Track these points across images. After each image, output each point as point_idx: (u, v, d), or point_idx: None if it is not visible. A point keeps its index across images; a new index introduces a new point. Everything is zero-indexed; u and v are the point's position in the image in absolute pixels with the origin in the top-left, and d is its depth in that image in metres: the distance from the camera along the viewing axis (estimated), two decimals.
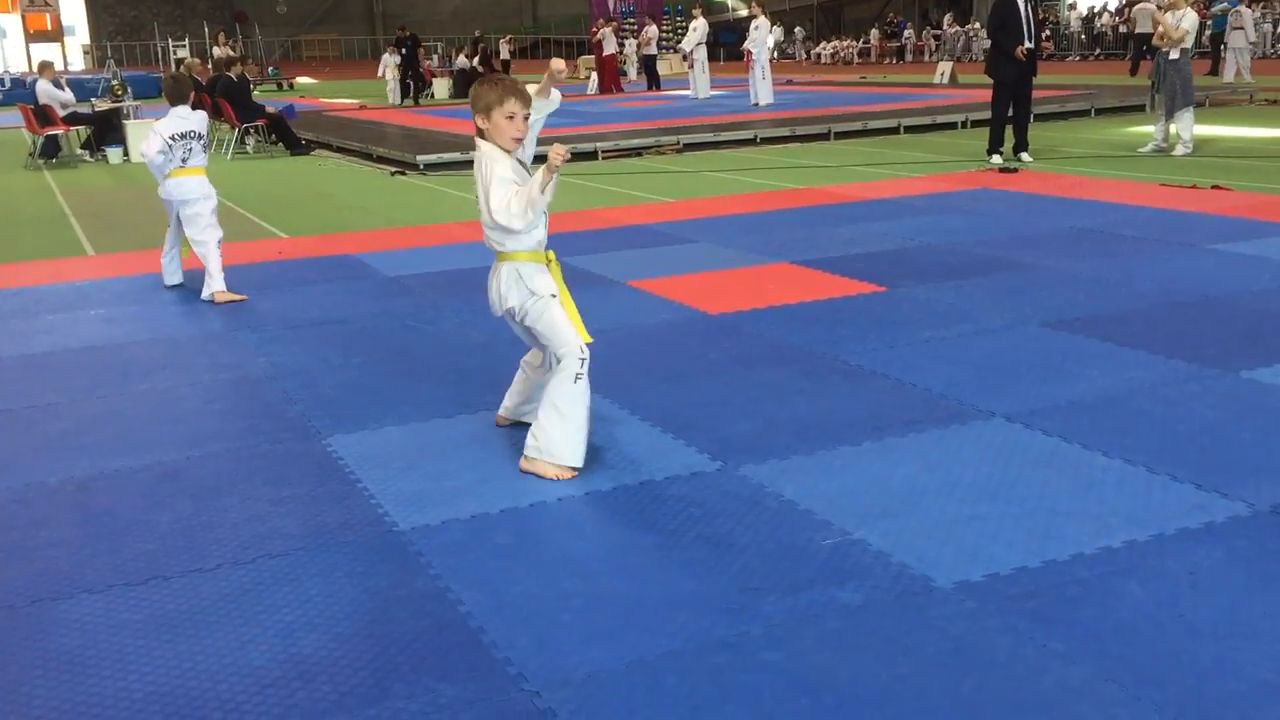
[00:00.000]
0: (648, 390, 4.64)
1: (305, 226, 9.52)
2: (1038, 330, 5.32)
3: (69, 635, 2.87)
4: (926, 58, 40.69)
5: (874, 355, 5.02)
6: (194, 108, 6.92)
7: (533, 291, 3.75)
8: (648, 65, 27.52)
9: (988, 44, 12.68)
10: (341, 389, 4.88)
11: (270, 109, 16.64)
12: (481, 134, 3.74)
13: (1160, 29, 11.52)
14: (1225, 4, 23.26)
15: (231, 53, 19.41)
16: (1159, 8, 13.94)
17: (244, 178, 13.24)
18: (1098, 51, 37.03)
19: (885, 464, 3.76)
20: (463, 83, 26.31)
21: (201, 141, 6.79)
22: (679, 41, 28.52)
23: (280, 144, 16.30)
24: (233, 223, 8.77)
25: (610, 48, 26.33)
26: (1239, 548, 3.08)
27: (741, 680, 2.54)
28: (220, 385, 5.04)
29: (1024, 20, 11.21)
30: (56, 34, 53.31)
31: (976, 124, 14.67)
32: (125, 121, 15.79)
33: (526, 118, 3.71)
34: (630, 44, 30.44)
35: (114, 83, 17.18)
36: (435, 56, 32.36)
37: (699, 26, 21.70)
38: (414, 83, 26.45)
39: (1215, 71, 22.34)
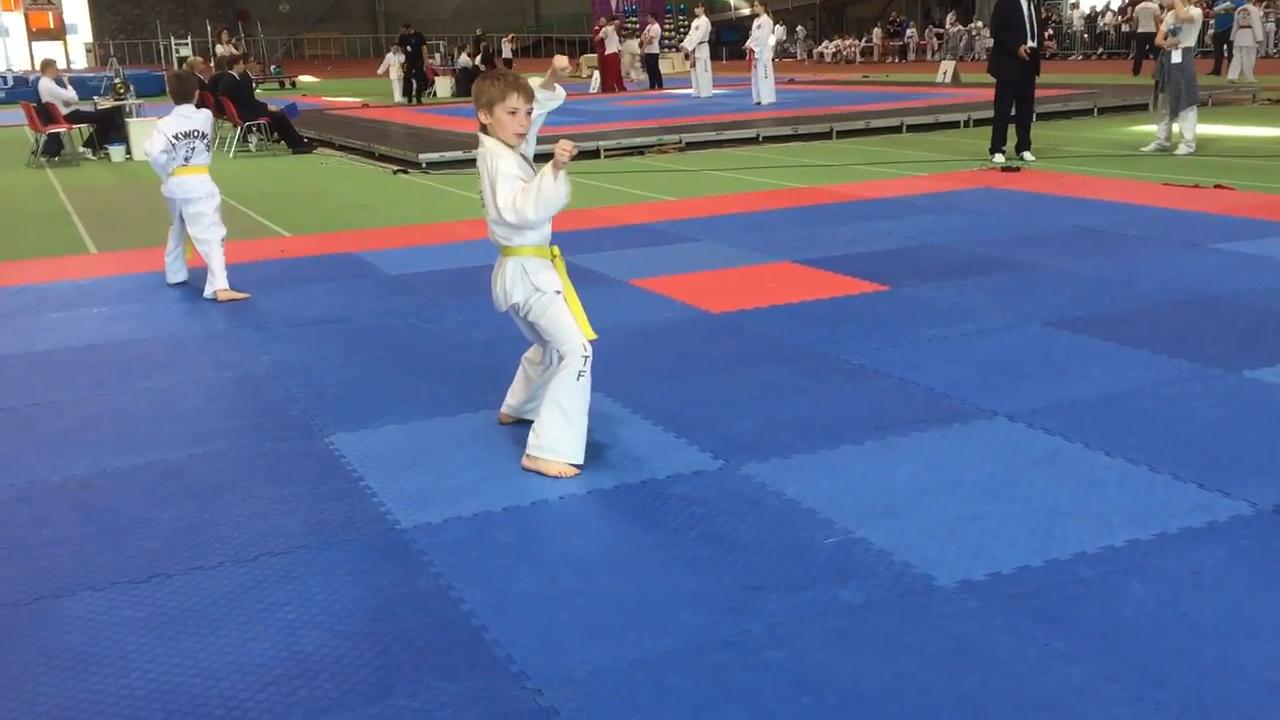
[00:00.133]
0: (650, 389, 4.64)
1: (307, 225, 9.53)
2: (1040, 329, 5.32)
3: (71, 633, 2.87)
4: (929, 57, 40.67)
5: (876, 354, 5.02)
6: (198, 107, 6.91)
7: (538, 288, 3.75)
8: (650, 64, 27.51)
9: (990, 43, 12.67)
10: (344, 387, 4.88)
11: (273, 107, 16.64)
12: (485, 129, 3.74)
13: (1163, 27, 11.52)
14: (1228, 3, 23.23)
15: (234, 51, 19.39)
16: (1161, 7, 13.93)
17: (246, 176, 13.25)
18: (1100, 51, 37.03)
19: (887, 463, 3.76)
20: (465, 81, 26.29)
21: (205, 141, 6.79)
22: (681, 40, 28.53)
23: (282, 142, 16.30)
24: (235, 221, 8.77)
25: (613, 46, 26.33)
26: (1241, 547, 3.08)
27: (743, 679, 2.54)
28: (223, 383, 5.04)
29: (1027, 19, 11.21)
30: (59, 32, 53.32)
31: (979, 123, 14.66)
32: (128, 120, 15.79)
33: (529, 113, 3.71)
34: (632, 44, 30.42)
35: (116, 81, 17.16)
36: (438, 55, 32.35)
37: (701, 25, 21.68)
38: (416, 81, 26.44)
39: (1218, 71, 22.31)
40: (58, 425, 4.54)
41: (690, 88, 22.60)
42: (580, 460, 3.74)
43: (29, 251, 8.69)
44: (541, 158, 3.68)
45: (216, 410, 4.67)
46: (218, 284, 6.68)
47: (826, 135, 14.87)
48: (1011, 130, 11.58)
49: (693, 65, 22.48)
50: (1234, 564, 2.98)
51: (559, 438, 3.72)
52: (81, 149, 16.17)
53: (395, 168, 13.37)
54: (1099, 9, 39.26)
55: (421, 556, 3.22)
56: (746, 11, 43.16)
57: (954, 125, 15.56)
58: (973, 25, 39.77)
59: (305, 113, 19.66)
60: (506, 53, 30.43)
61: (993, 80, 11.75)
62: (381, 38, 56.77)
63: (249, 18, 56.87)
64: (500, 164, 3.66)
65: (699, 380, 4.76)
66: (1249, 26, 20.66)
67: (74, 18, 55.22)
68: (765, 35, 19.42)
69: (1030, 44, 11.20)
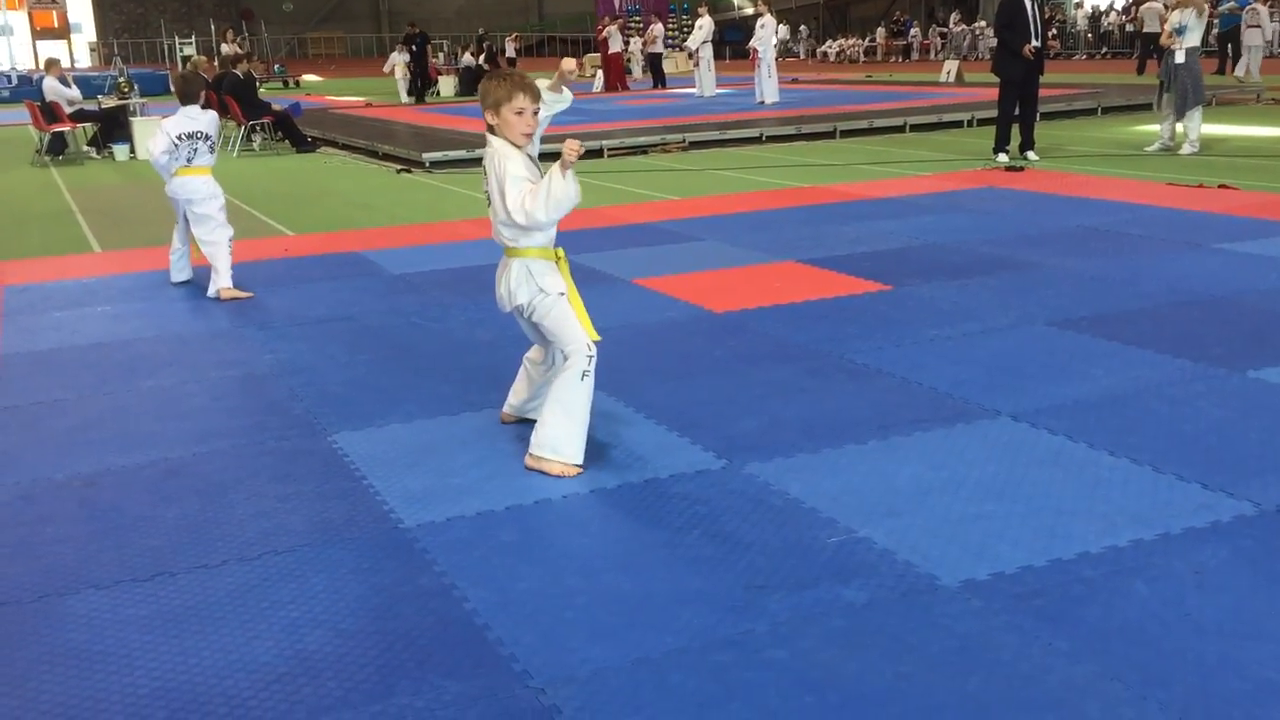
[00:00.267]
0: (653, 388, 4.65)
1: (311, 224, 9.54)
2: (1044, 329, 5.32)
3: (75, 631, 2.88)
4: (932, 56, 40.62)
5: (879, 354, 5.01)
6: (204, 108, 6.92)
7: (542, 289, 3.75)
8: (653, 63, 27.51)
9: (994, 42, 12.66)
10: (347, 386, 4.89)
11: (276, 106, 16.66)
12: (492, 130, 3.74)
13: (1168, 27, 11.50)
14: (1233, 3, 23.18)
15: (238, 50, 19.39)
16: (1166, 7, 13.91)
17: (250, 175, 13.26)
18: (1104, 50, 36.97)
19: (891, 462, 3.76)
20: (469, 81, 26.31)
21: (209, 142, 6.77)
22: (685, 39, 28.51)
23: (286, 141, 16.32)
24: (239, 220, 8.77)
25: (616, 46, 26.32)
26: (1245, 547, 3.07)
27: (747, 678, 2.54)
28: (227, 382, 5.05)
29: (1031, 18, 11.19)
30: (63, 31, 53.47)
31: (983, 122, 14.66)
32: (132, 119, 15.81)
33: (536, 113, 3.71)
34: (636, 42, 30.42)
35: (120, 80, 17.19)
36: (441, 54, 32.34)
37: (705, 24, 21.68)
38: (420, 80, 26.44)
39: (1222, 70, 22.27)
40: (62, 423, 4.55)
41: (694, 87, 22.58)
42: (582, 460, 3.75)
43: (33, 250, 8.71)
44: (545, 157, 3.69)
45: (220, 409, 4.68)
46: (221, 282, 6.69)
47: (830, 135, 14.86)
48: (1015, 129, 11.57)
49: (696, 64, 22.48)
50: (1237, 564, 2.98)
51: (562, 437, 3.72)
52: (85, 148, 16.19)
53: (399, 167, 13.38)
54: (1103, 8, 39.21)
55: (425, 555, 3.22)
56: (750, 11, 43.12)
57: (957, 125, 15.55)
58: (976, 25, 39.74)
59: (309, 112, 19.69)
60: (510, 52, 30.48)
61: (996, 80, 11.73)
62: (385, 37, 56.81)
63: (253, 17, 56.88)
64: (508, 165, 3.66)
65: (702, 379, 4.77)
66: (1258, 26, 20.60)
67: (78, 17, 55.39)
68: (769, 34, 19.43)
69: (1034, 43, 11.19)
